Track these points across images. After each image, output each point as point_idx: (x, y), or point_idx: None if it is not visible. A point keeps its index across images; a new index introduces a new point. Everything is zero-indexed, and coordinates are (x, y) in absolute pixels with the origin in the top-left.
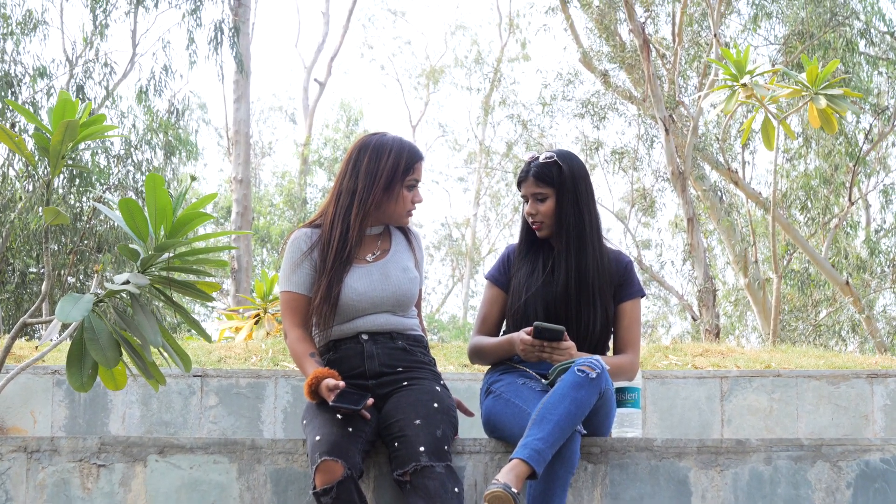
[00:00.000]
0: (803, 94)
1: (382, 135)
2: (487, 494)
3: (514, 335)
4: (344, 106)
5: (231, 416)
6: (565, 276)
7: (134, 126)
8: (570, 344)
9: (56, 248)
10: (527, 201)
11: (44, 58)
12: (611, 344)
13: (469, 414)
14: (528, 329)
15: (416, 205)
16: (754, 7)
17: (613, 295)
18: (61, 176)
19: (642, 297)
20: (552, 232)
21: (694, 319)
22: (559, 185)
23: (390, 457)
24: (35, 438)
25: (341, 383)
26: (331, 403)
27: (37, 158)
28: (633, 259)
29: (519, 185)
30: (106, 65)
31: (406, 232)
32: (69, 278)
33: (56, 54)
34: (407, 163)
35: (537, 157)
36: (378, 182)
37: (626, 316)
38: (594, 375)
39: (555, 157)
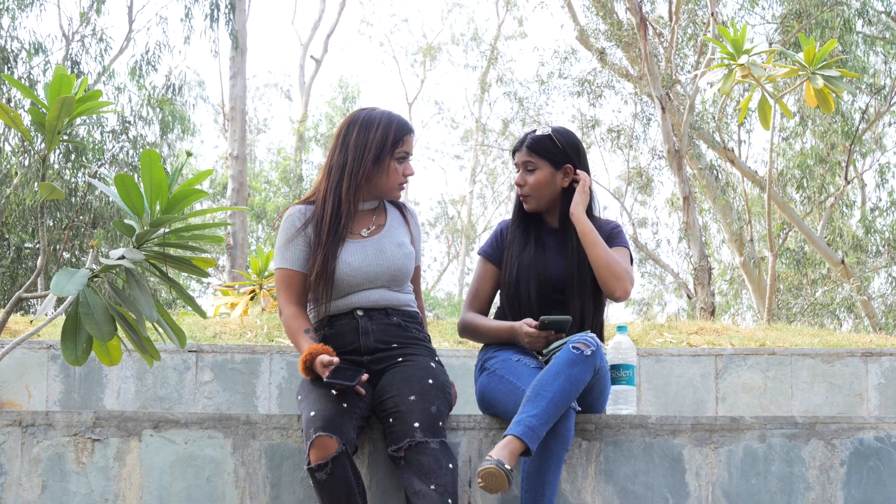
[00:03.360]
0: (800, 73)
1: (371, 109)
2: (481, 471)
3: (516, 326)
4: (341, 83)
5: (226, 391)
6: (561, 257)
7: (130, 101)
8: None
9: (51, 223)
10: (518, 171)
11: (40, 33)
12: (605, 323)
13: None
14: (532, 322)
15: (408, 178)
16: None
17: None
18: (57, 151)
19: (629, 252)
20: (538, 206)
21: (689, 297)
22: (551, 158)
23: (385, 433)
24: (30, 413)
25: (336, 359)
26: (325, 380)
27: (33, 133)
28: (628, 235)
29: (513, 154)
30: (102, 40)
31: (402, 208)
32: (64, 253)
33: (52, 30)
34: (396, 135)
35: (535, 130)
36: (367, 155)
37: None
38: (589, 353)
39: (550, 131)
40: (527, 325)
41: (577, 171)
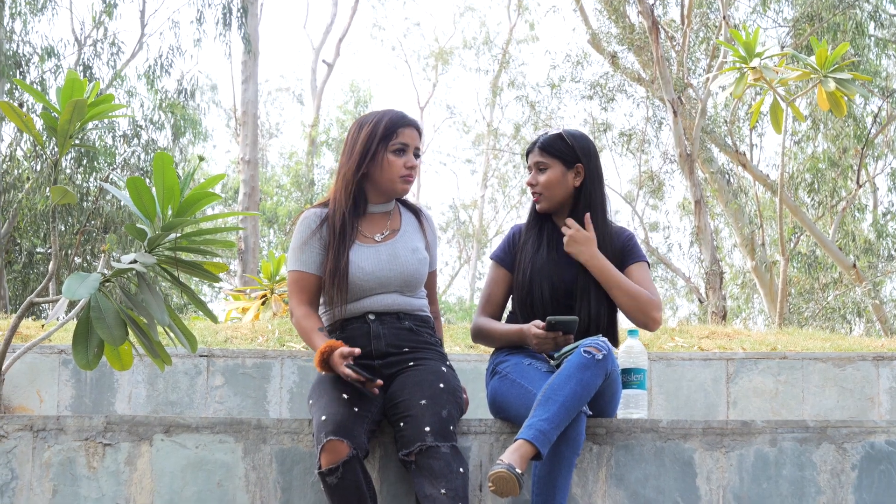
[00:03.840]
0: (812, 76)
1: (373, 111)
2: (492, 475)
3: (525, 328)
4: (353, 87)
5: (237, 396)
6: (574, 261)
7: (142, 106)
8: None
9: (63, 227)
10: (531, 171)
11: (52, 38)
12: (618, 326)
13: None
14: (540, 323)
15: (412, 170)
16: None
17: (619, 266)
18: (68, 156)
19: (647, 264)
20: (550, 205)
21: (701, 302)
22: (563, 157)
23: (396, 437)
24: (41, 417)
25: (357, 350)
26: (345, 365)
27: (45, 138)
28: (640, 239)
29: (526, 156)
30: (114, 45)
31: (418, 213)
32: (76, 258)
33: (64, 34)
34: (387, 127)
35: (547, 131)
36: (355, 150)
37: (634, 275)
38: (600, 357)
39: (562, 132)
40: (535, 327)
41: (563, 225)
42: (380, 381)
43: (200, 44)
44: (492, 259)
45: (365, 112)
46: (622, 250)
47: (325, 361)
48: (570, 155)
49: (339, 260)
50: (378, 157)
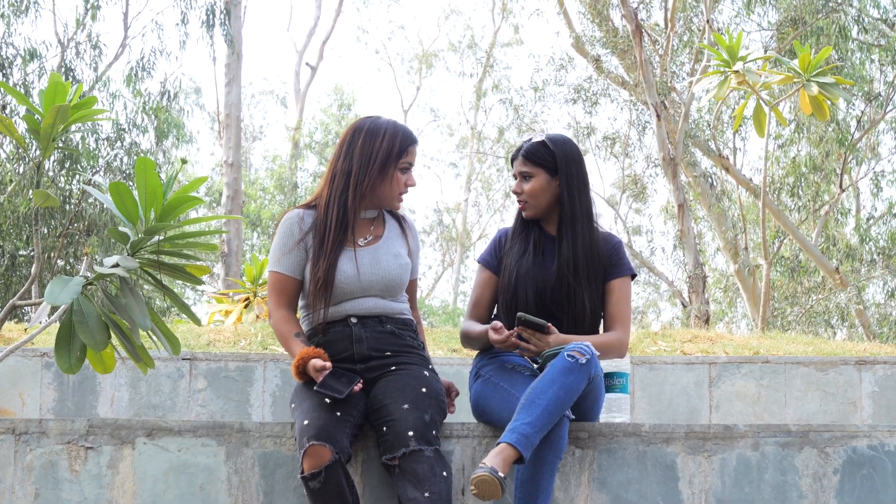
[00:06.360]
0: (795, 80)
1: (377, 118)
2: (474, 478)
3: (487, 327)
4: (336, 90)
5: (220, 399)
6: (558, 263)
7: (125, 109)
8: (553, 338)
9: (46, 230)
10: (516, 179)
11: (35, 39)
12: (600, 332)
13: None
14: (498, 324)
15: (409, 188)
16: None
17: (603, 276)
18: (51, 158)
19: (633, 276)
20: (536, 212)
21: (684, 306)
22: (546, 165)
23: (378, 441)
24: (23, 420)
25: (328, 364)
26: (315, 388)
27: (27, 141)
28: (623, 242)
29: (511, 162)
30: (97, 47)
31: (400, 220)
32: (59, 261)
33: (47, 36)
34: (401, 145)
35: (531, 138)
36: (373, 163)
37: (615, 293)
38: (584, 361)
39: (545, 139)
40: (492, 329)
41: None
42: (359, 386)
43: (184, 46)
44: (479, 262)
45: (349, 115)
46: (609, 260)
47: (302, 372)
48: (553, 162)
49: (331, 268)
50: (389, 172)
